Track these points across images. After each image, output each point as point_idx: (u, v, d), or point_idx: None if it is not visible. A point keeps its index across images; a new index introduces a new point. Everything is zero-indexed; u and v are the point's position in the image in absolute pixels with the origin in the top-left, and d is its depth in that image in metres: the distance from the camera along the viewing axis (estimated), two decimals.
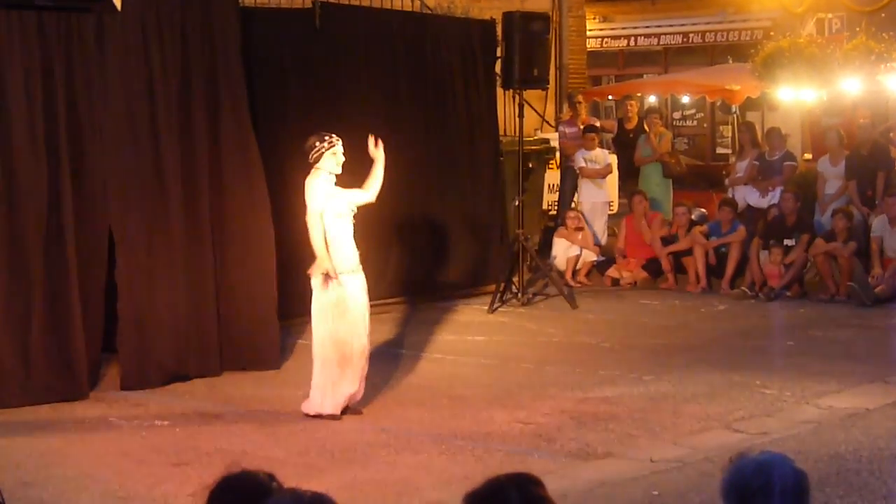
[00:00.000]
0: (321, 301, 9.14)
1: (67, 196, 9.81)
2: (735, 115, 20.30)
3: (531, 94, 15.60)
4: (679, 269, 15.41)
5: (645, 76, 25.18)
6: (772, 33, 21.21)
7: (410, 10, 14.62)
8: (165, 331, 10.37)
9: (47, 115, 9.75)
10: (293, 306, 11.33)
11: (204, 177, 10.59)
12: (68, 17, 9.82)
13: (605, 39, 26.11)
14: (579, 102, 17.71)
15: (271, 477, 3.55)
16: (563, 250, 15.85)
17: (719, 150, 24.39)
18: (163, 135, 10.40)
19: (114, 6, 9.86)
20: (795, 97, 17.26)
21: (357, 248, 9.28)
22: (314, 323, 9.19)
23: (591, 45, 24.09)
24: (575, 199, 16.94)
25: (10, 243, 9.60)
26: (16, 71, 9.59)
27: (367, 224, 13.28)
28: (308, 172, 9.14)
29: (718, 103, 21.82)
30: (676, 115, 25.14)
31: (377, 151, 9.43)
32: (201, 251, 10.53)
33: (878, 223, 14.23)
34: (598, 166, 16.57)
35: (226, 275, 10.77)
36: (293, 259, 10.66)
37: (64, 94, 9.85)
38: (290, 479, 3.69)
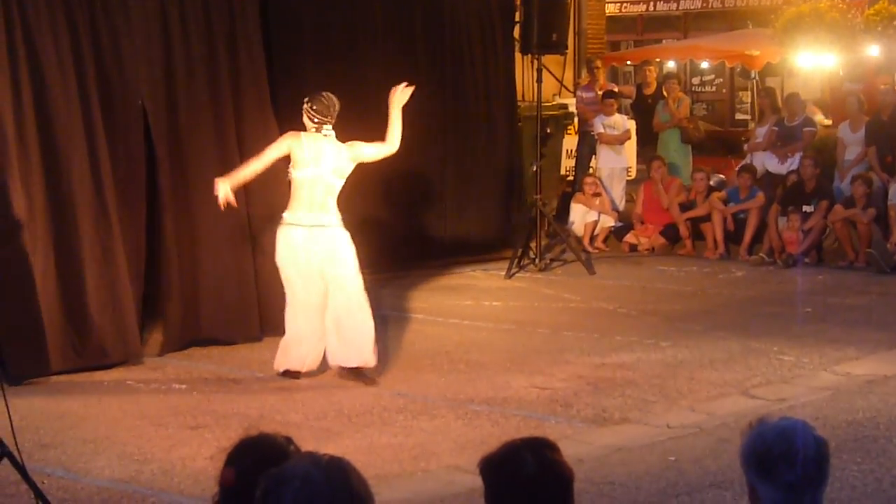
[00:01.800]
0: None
1: (105, 161, 9.80)
2: (755, 81, 20.20)
3: (549, 59, 15.53)
4: (697, 235, 15.38)
5: (664, 41, 25.07)
6: None
7: None
8: (210, 296, 10.39)
9: (80, 82, 9.74)
10: None
11: (232, 141, 10.58)
12: None
13: (624, 4, 25.97)
14: (597, 68, 17.64)
15: (289, 440, 3.56)
16: (580, 216, 15.84)
17: (738, 116, 24.28)
18: (183, 101, 10.39)
19: None
20: (816, 62, 17.15)
21: (338, 209, 9.29)
22: None
23: (610, 9, 23.97)
24: (592, 164, 16.90)
25: (56, 209, 9.59)
26: (44, 36, 9.55)
27: (385, 189, 13.37)
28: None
29: (738, 69, 21.72)
30: (695, 80, 25.04)
31: (398, 96, 9.38)
32: (236, 214, 10.54)
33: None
34: (616, 132, 16.52)
35: (252, 238, 10.78)
36: None
37: (93, 59, 9.84)
38: (307, 442, 3.69)
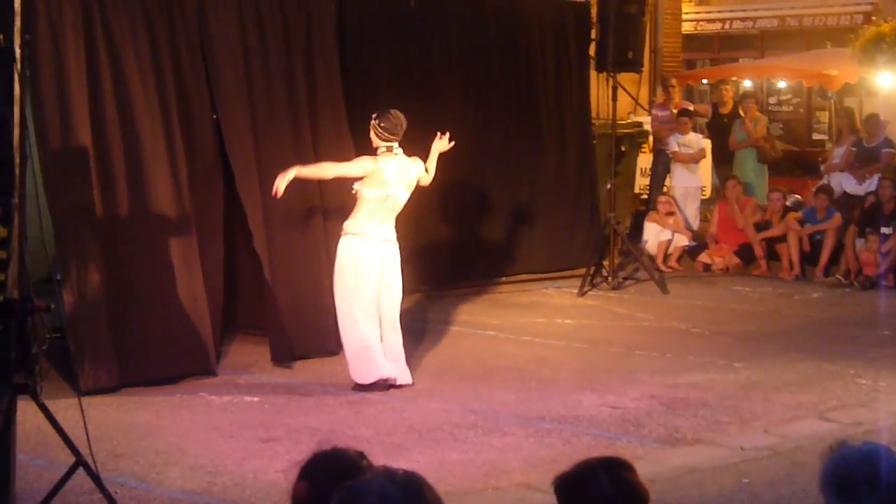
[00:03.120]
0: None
1: (184, 174, 9.87)
2: (832, 101, 19.99)
3: (625, 77, 15.47)
4: (772, 255, 15.24)
5: (740, 60, 24.87)
6: (873, 18, 20.84)
7: None
8: (286, 309, 10.39)
9: (160, 96, 9.83)
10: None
11: (309, 155, 10.58)
12: None
13: (701, 23, 25.77)
14: (673, 86, 17.56)
15: (362, 455, 3.55)
16: (654, 235, 15.76)
17: (815, 136, 24.01)
18: (262, 112, 10.46)
19: None
20: (895, 83, 16.95)
21: (394, 225, 9.44)
22: None
23: (686, 28, 23.80)
24: (667, 183, 16.82)
25: (142, 219, 9.68)
26: (125, 47, 9.66)
27: (457, 205, 13.39)
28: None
29: (816, 88, 21.50)
30: (772, 99, 24.77)
31: (438, 144, 9.75)
32: (312, 229, 10.58)
33: None
34: (691, 150, 16.43)
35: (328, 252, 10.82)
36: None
37: (172, 71, 9.94)
38: (378, 457, 3.68)
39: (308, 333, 10.53)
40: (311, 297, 10.60)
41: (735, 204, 15.56)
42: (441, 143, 9.76)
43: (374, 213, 9.29)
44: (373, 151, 9.41)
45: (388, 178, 9.26)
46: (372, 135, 9.41)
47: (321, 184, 10.37)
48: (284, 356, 10.29)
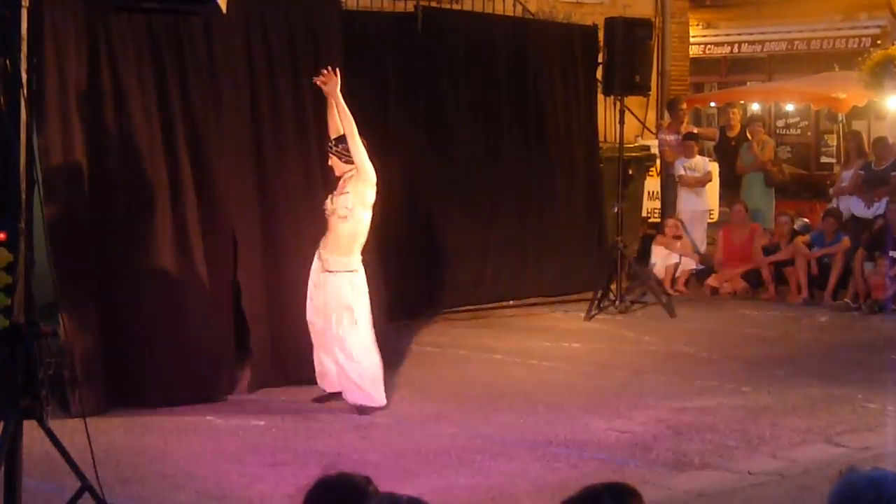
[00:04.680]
0: None
1: (191, 196, 9.88)
2: (841, 124, 20.00)
3: (632, 101, 15.50)
4: (780, 279, 15.22)
5: (748, 83, 24.90)
6: (879, 41, 20.87)
7: (512, 15, 14.62)
8: (295, 335, 10.23)
9: (163, 118, 9.83)
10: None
11: (318, 181, 10.53)
12: (176, 20, 9.91)
13: (708, 46, 25.83)
14: (683, 109, 17.55)
15: (368, 480, 3.54)
16: (661, 258, 15.75)
17: (824, 160, 24.04)
18: (269, 137, 10.46)
19: (219, 9, 9.93)
20: None
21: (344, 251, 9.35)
22: None
23: (694, 51, 23.85)
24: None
25: (145, 244, 9.64)
26: (129, 72, 9.68)
27: (467, 229, 13.39)
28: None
29: (824, 112, 21.51)
30: (780, 123, 24.81)
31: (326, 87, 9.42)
32: (309, 253, 10.58)
33: None
34: (697, 174, 16.43)
35: None
36: (405, 256, 10.60)
37: (178, 95, 9.92)
38: (385, 482, 3.67)
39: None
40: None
41: (740, 228, 15.56)
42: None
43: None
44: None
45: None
46: (336, 162, 9.32)
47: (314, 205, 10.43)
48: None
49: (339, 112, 9.26)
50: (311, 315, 9.57)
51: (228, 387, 10.02)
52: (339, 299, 9.34)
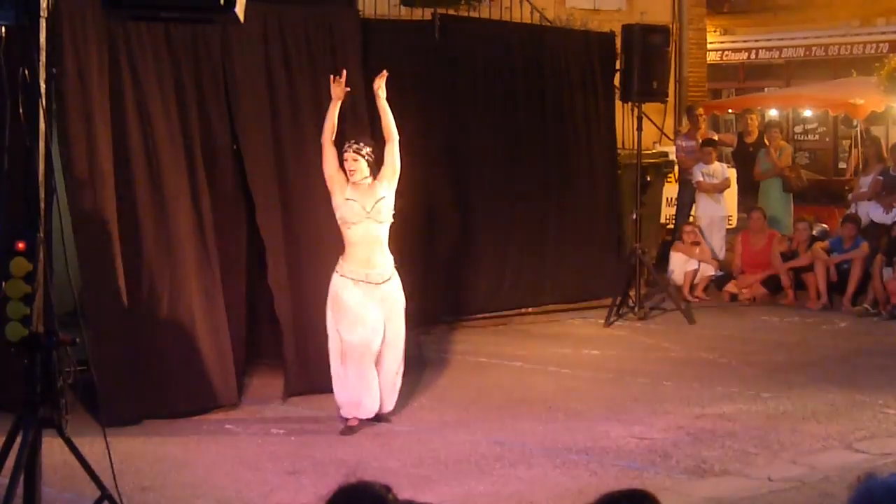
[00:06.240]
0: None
1: (206, 204, 9.91)
2: (855, 130, 19.96)
3: (650, 107, 15.49)
4: (799, 285, 15.18)
5: (766, 89, 24.88)
6: None
7: (530, 22, 14.63)
8: (311, 343, 10.18)
9: (183, 125, 9.86)
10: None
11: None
12: (194, 29, 9.94)
13: (726, 52, 25.83)
14: (700, 115, 17.52)
15: (387, 488, 3.53)
16: (680, 265, 15.72)
17: (842, 165, 23.99)
18: (289, 147, 10.48)
19: (237, 18, 9.96)
20: None
21: (388, 256, 9.22)
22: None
23: (712, 57, 23.83)
24: (692, 212, 16.78)
25: (167, 253, 9.68)
26: (150, 80, 9.71)
27: (486, 237, 13.39)
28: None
29: (841, 117, 21.47)
30: (798, 129, 24.78)
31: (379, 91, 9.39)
32: (331, 260, 10.60)
33: None
34: (715, 180, 16.40)
35: None
36: (425, 263, 10.52)
37: (196, 103, 9.96)
38: (404, 490, 3.67)
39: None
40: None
41: (758, 234, 15.53)
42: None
43: None
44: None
45: None
46: (361, 165, 9.16)
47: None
48: (295, 390, 10.26)
49: (383, 116, 9.30)
50: (361, 338, 9.08)
51: (237, 395, 10.03)
52: (400, 302, 9.30)
